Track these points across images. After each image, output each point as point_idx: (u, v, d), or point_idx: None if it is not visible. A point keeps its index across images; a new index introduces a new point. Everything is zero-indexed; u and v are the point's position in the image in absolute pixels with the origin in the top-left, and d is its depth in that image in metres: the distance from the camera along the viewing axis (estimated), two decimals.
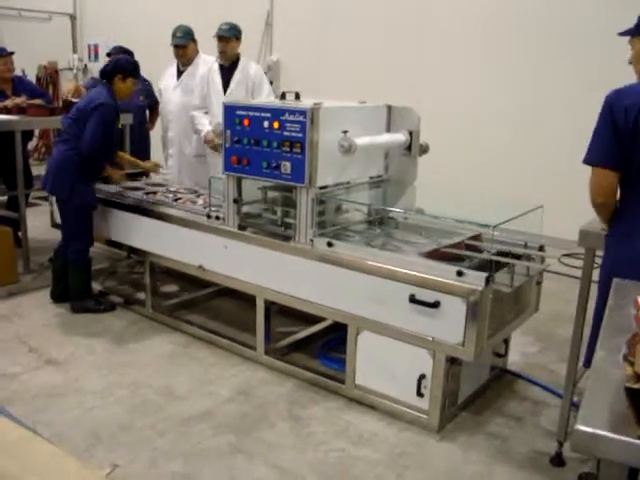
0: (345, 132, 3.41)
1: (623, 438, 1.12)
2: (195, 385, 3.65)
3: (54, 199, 4.77)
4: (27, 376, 3.70)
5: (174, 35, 5.45)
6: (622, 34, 2.71)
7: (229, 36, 5.15)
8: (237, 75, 5.23)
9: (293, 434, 3.20)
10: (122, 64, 4.46)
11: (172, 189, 4.84)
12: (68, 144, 4.38)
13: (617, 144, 2.54)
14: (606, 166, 2.59)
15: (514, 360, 3.97)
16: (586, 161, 2.64)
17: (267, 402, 3.49)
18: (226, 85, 5.24)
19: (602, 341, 1.42)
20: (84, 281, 4.61)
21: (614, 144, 2.54)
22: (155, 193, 4.68)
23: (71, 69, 9.33)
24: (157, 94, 5.95)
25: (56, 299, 4.74)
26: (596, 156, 2.61)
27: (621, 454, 1.13)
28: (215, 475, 2.88)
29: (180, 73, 5.59)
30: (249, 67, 5.28)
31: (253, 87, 5.20)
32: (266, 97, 5.13)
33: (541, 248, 3.48)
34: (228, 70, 5.25)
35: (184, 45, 5.45)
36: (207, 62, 5.45)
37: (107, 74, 4.42)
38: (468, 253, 3.35)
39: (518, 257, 3.32)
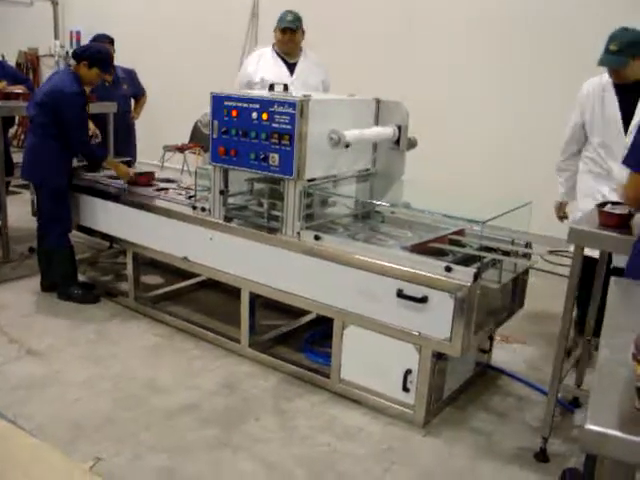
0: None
1: (634, 438, 1.12)
2: (179, 378, 3.61)
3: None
4: (7, 367, 3.64)
5: (283, 19, 4.72)
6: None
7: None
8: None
9: (278, 428, 3.18)
10: (91, 52, 4.35)
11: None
12: (40, 129, 4.34)
13: None
14: None
15: (498, 356, 3.99)
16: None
17: (252, 395, 3.47)
18: None
19: (606, 340, 1.42)
20: (67, 267, 4.56)
21: None
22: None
23: (52, 55, 9.14)
24: (252, 84, 4.81)
25: (45, 289, 4.68)
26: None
27: (632, 454, 1.12)
28: (200, 469, 2.85)
29: (289, 66, 4.84)
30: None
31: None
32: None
33: (528, 245, 3.49)
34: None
35: (294, 29, 4.72)
36: (315, 60, 4.92)
37: (77, 56, 4.33)
38: (455, 248, 3.35)
39: (506, 253, 3.33)
